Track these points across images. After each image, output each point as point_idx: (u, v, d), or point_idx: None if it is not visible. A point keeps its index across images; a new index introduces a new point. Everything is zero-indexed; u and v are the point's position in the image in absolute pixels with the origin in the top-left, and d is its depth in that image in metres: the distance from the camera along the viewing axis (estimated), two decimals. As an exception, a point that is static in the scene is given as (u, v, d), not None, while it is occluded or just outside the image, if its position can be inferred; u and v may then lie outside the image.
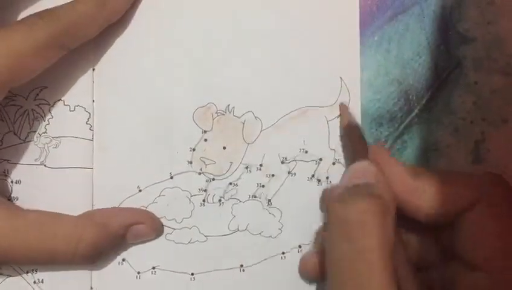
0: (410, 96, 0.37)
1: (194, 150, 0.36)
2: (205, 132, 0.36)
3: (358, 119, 0.36)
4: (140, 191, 0.35)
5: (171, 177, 0.36)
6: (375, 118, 0.36)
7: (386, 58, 0.37)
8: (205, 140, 0.36)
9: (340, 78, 0.36)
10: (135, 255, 0.35)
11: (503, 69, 0.37)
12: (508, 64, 0.36)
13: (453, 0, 0.37)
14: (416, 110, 0.37)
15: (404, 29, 0.37)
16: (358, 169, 0.31)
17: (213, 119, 0.36)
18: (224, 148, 0.36)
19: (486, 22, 0.37)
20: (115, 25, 0.35)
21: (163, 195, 0.35)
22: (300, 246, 0.36)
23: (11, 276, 0.35)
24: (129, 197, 0.35)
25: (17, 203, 0.35)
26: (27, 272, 0.35)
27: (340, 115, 0.36)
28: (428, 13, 0.37)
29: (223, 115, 0.36)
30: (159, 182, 0.36)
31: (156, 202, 0.35)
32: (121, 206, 0.35)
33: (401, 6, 0.37)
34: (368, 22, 0.37)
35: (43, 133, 0.36)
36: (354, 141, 0.34)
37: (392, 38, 0.37)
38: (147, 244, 0.35)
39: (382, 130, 0.36)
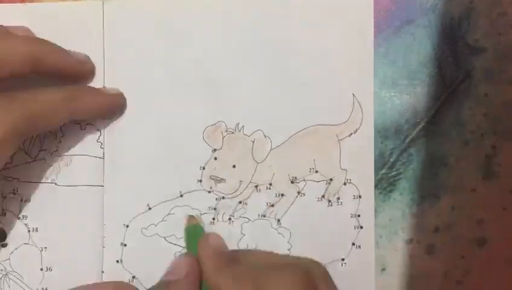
0: (417, 109, 0.36)
1: (203, 168, 0.36)
2: (215, 150, 0.36)
3: (371, 139, 0.36)
4: (149, 209, 0.36)
5: (181, 196, 0.36)
6: (380, 130, 0.36)
7: (392, 70, 0.36)
8: (215, 158, 0.36)
9: (353, 94, 0.36)
10: (146, 272, 0.35)
11: None
12: (520, 76, 0.36)
13: (461, 10, 0.36)
14: (423, 123, 0.36)
15: (412, 40, 0.36)
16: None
17: (223, 138, 0.36)
18: (234, 166, 0.36)
19: (497, 32, 0.36)
20: (126, 43, 0.35)
21: (173, 213, 0.35)
22: (309, 267, 0.35)
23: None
24: (139, 215, 0.35)
25: (27, 221, 0.35)
26: (37, 290, 0.35)
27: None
28: (436, 24, 0.36)
29: (233, 133, 0.36)
30: (168, 200, 0.36)
31: (166, 221, 0.35)
32: (130, 224, 0.35)
33: (409, 17, 0.36)
34: (375, 32, 0.36)
35: (54, 151, 0.36)
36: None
37: (399, 49, 0.36)
38: (157, 262, 0.35)
39: (387, 143, 0.36)
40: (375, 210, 0.36)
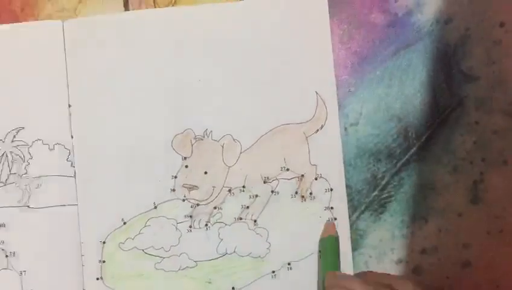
0: (410, 134, 0.36)
1: (175, 177, 0.36)
2: (185, 158, 0.36)
3: (337, 133, 0.36)
4: (125, 223, 0.36)
5: (155, 207, 0.36)
6: (373, 153, 0.36)
7: (387, 94, 0.36)
8: (186, 166, 0.36)
9: (316, 92, 0.36)
10: (126, 287, 0.35)
11: (505, 109, 0.36)
12: (511, 105, 0.36)
13: (457, 37, 0.36)
14: (415, 148, 0.36)
15: (407, 65, 0.36)
16: None
17: (192, 145, 0.36)
18: (205, 173, 0.36)
19: (491, 61, 0.36)
20: (88, 58, 0.35)
21: (149, 225, 0.36)
22: (289, 264, 0.36)
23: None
24: (114, 230, 0.35)
25: (3, 247, 0.35)
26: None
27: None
28: (431, 50, 0.36)
29: (202, 140, 0.36)
30: (143, 213, 0.36)
31: (142, 233, 0.36)
32: (107, 240, 0.35)
33: (405, 42, 0.36)
34: (370, 56, 0.36)
35: (24, 174, 0.36)
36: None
37: (394, 73, 0.36)
38: (137, 274, 0.35)
39: (380, 166, 0.36)
40: (365, 231, 0.36)
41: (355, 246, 0.36)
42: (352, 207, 0.36)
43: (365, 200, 0.36)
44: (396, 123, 0.36)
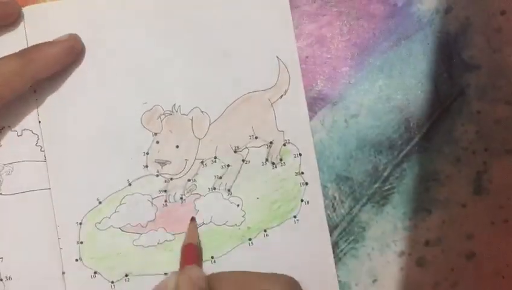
0: (411, 124, 0.36)
1: (147, 153, 0.36)
2: (156, 134, 0.36)
3: (302, 97, 0.37)
4: (100, 203, 0.36)
5: (130, 184, 0.36)
6: (374, 144, 0.36)
7: (387, 84, 0.36)
8: (157, 142, 0.36)
9: (277, 57, 0.37)
10: (106, 266, 0.35)
11: (507, 98, 0.36)
12: (513, 94, 0.36)
13: (458, 26, 0.36)
14: (416, 139, 0.36)
15: (408, 55, 0.36)
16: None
17: (161, 121, 0.36)
18: (177, 147, 0.36)
19: (492, 49, 0.36)
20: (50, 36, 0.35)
21: (124, 203, 0.36)
22: (265, 230, 0.37)
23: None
24: (90, 210, 0.36)
25: (-21, 235, 0.35)
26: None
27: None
28: (432, 39, 0.36)
29: (171, 114, 0.36)
30: (118, 191, 0.36)
31: (118, 211, 0.36)
32: (83, 221, 0.36)
33: (405, 32, 0.36)
34: (370, 46, 0.37)
35: (-7, 161, 0.35)
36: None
37: (394, 64, 0.36)
38: (116, 253, 0.36)
39: (381, 158, 0.37)
40: (368, 223, 0.36)
41: (358, 238, 0.36)
42: (354, 199, 0.36)
43: (367, 192, 0.37)
44: (397, 114, 0.36)
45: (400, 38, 0.36)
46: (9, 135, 0.36)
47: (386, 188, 0.37)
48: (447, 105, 0.36)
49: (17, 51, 0.34)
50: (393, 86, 0.36)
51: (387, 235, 0.36)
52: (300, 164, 0.36)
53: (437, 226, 0.36)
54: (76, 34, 0.35)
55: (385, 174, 0.36)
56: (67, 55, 0.35)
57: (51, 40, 0.35)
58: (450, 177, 0.36)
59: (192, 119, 0.36)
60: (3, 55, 0.34)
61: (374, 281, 0.36)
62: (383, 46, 0.36)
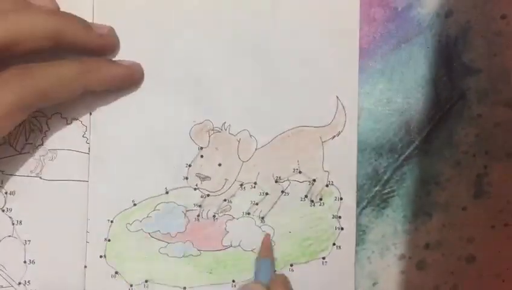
0: (411, 127, 0.37)
1: (190, 166, 0.36)
2: (201, 148, 0.36)
3: (354, 142, 0.36)
4: (135, 205, 0.36)
5: (167, 193, 0.36)
6: (374, 147, 0.37)
7: (388, 88, 0.37)
8: (201, 156, 0.36)
9: (337, 97, 0.37)
10: (128, 268, 0.36)
11: (508, 101, 0.36)
12: (514, 97, 0.36)
13: (458, 30, 0.36)
14: (417, 142, 0.37)
15: (408, 58, 0.36)
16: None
17: (209, 136, 0.36)
18: (219, 165, 0.36)
19: (493, 53, 0.36)
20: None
21: (158, 209, 0.36)
22: (292, 265, 0.36)
23: (2, 287, 0.35)
24: (123, 211, 0.36)
25: (11, 214, 0.35)
26: (19, 284, 0.35)
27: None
28: (432, 43, 0.37)
29: (219, 132, 0.36)
30: (154, 197, 0.36)
31: (151, 216, 0.36)
32: (115, 219, 0.36)
33: (405, 35, 0.37)
34: (371, 50, 0.37)
35: (40, 145, 0.36)
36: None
37: (395, 67, 0.37)
38: (140, 257, 0.36)
39: (381, 161, 0.37)
40: (368, 226, 0.37)
41: (358, 241, 0.36)
42: (354, 202, 0.37)
43: (367, 196, 0.37)
44: (397, 117, 0.37)
45: (400, 42, 0.36)
46: (59, 122, 0.36)
47: (386, 191, 0.37)
48: (447, 108, 0.36)
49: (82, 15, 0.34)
50: (393, 90, 0.36)
51: (387, 239, 0.36)
52: (339, 208, 0.36)
53: (437, 229, 0.36)
54: (139, 65, 0.35)
55: (385, 177, 0.36)
56: (123, 81, 0.35)
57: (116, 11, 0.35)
58: (450, 180, 0.36)
59: (239, 141, 0.36)
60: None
61: (374, 284, 0.37)
62: (383, 49, 0.36)
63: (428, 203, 0.37)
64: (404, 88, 0.37)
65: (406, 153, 0.37)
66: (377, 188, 0.37)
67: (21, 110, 0.31)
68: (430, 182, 0.37)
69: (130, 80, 0.35)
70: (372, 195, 0.37)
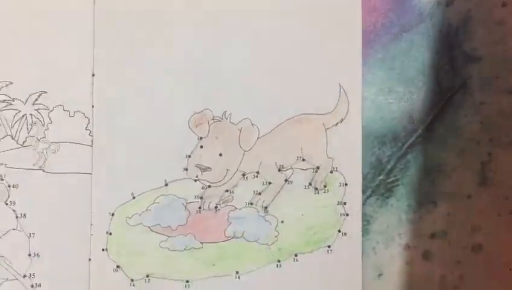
0: (414, 116, 0.36)
1: (189, 156, 0.35)
2: (201, 138, 0.35)
3: (358, 127, 0.35)
4: (134, 198, 0.35)
5: (166, 185, 0.35)
6: (377, 136, 0.36)
7: (389, 76, 0.36)
8: (201, 147, 0.35)
9: (339, 84, 0.35)
10: (129, 262, 0.35)
11: (510, 88, 0.36)
12: (516, 84, 0.35)
13: (459, 18, 0.36)
14: (420, 130, 0.36)
15: (409, 47, 0.36)
16: None
17: (209, 126, 0.35)
18: (220, 155, 0.35)
19: (494, 41, 0.36)
20: (115, 31, 0.35)
21: (158, 202, 0.35)
22: (296, 255, 0.35)
23: (8, 279, 0.35)
24: (123, 204, 0.35)
25: (15, 207, 0.36)
26: (24, 276, 0.35)
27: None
28: (433, 32, 0.36)
29: (220, 121, 0.36)
30: (153, 189, 0.35)
31: (150, 210, 0.35)
32: (116, 212, 0.35)
33: (407, 24, 0.36)
34: (372, 39, 0.36)
35: (42, 138, 0.36)
36: None
37: (396, 56, 0.36)
38: (141, 251, 0.35)
39: (385, 150, 0.36)
40: (372, 216, 0.36)
41: (362, 232, 0.36)
42: (358, 192, 0.36)
43: (371, 185, 0.36)
44: (399, 106, 0.36)
45: (401, 31, 0.36)
46: (62, 114, 0.36)
47: (390, 180, 0.36)
48: (449, 96, 0.36)
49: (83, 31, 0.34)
50: (395, 78, 0.36)
51: (392, 229, 0.36)
52: (344, 194, 0.35)
53: (442, 218, 0.36)
54: None
55: (389, 166, 0.36)
56: None
57: (117, 26, 0.35)
58: (455, 168, 0.36)
59: (240, 130, 0.35)
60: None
61: (380, 275, 0.36)
62: (384, 38, 0.36)
63: (433, 192, 0.36)
64: (406, 77, 0.36)
65: (410, 142, 0.36)
66: (380, 177, 0.36)
67: None
68: (434, 170, 0.36)
69: None
70: (376, 184, 0.36)
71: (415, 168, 0.36)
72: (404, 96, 0.36)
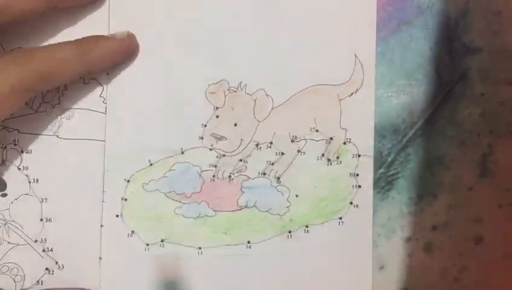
0: (414, 108, 0.36)
1: (205, 126, 0.36)
2: (217, 108, 0.36)
3: (372, 99, 0.36)
4: (151, 165, 0.36)
5: (182, 153, 0.36)
6: (378, 129, 0.36)
7: (389, 69, 0.36)
8: (217, 116, 0.36)
9: (355, 54, 0.36)
10: (144, 227, 0.35)
11: (510, 79, 0.36)
12: (516, 75, 0.36)
13: (458, 10, 0.36)
14: (420, 123, 0.36)
15: (408, 40, 0.36)
16: None
17: (225, 96, 0.36)
18: (235, 125, 0.36)
19: (493, 32, 0.36)
20: (131, 1, 0.35)
21: (174, 169, 0.36)
22: (307, 226, 0.36)
23: (19, 244, 0.35)
24: (140, 170, 0.36)
25: (27, 172, 0.35)
26: (35, 241, 0.35)
27: None
28: (432, 24, 0.36)
29: (235, 92, 0.36)
30: (170, 157, 0.36)
31: (166, 176, 0.36)
32: (131, 179, 0.36)
33: (406, 17, 0.36)
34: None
35: (56, 104, 0.36)
36: None
37: (395, 49, 0.36)
38: (156, 217, 0.36)
39: (385, 143, 0.36)
40: (373, 209, 0.36)
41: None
42: (358, 185, 0.36)
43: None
44: (399, 99, 0.36)
45: (400, 24, 0.36)
46: (76, 81, 0.36)
47: (390, 173, 0.36)
48: (449, 88, 0.36)
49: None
50: (395, 71, 0.36)
51: (393, 221, 0.36)
52: (357, 165, 0.36)
53: (444, 210, 0.36)
54: (133, 34, 0.35)
55: (389, 159, 0.36)
56: (122, 54, 0.35)
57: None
58: (455, 160, 0.36)
59: (255, 100, 0.36)
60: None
61: (381, 268, 0.36)
62: (383, 32, 0.36)
63: (434, 184, 0.36)
64: (405, 70, 0.36)
65: (410, 134, 0.36)
66: (381, 170, 0.36)
67: (21, 94, 0.31)
68: (435, 162, 0.36)
69: (127, 52, 0.35)
70: (377, 177, 0.36)
71: (415, 160, 0.36)
72: (404, 89, 0.36)
